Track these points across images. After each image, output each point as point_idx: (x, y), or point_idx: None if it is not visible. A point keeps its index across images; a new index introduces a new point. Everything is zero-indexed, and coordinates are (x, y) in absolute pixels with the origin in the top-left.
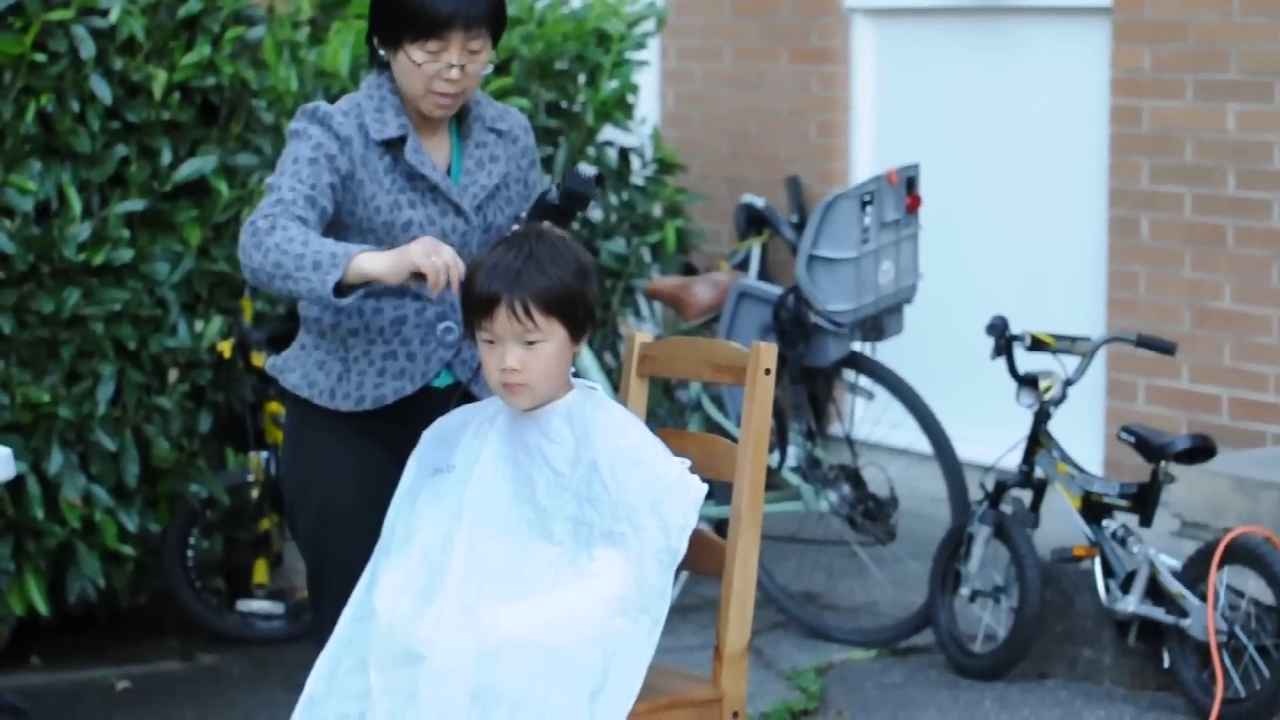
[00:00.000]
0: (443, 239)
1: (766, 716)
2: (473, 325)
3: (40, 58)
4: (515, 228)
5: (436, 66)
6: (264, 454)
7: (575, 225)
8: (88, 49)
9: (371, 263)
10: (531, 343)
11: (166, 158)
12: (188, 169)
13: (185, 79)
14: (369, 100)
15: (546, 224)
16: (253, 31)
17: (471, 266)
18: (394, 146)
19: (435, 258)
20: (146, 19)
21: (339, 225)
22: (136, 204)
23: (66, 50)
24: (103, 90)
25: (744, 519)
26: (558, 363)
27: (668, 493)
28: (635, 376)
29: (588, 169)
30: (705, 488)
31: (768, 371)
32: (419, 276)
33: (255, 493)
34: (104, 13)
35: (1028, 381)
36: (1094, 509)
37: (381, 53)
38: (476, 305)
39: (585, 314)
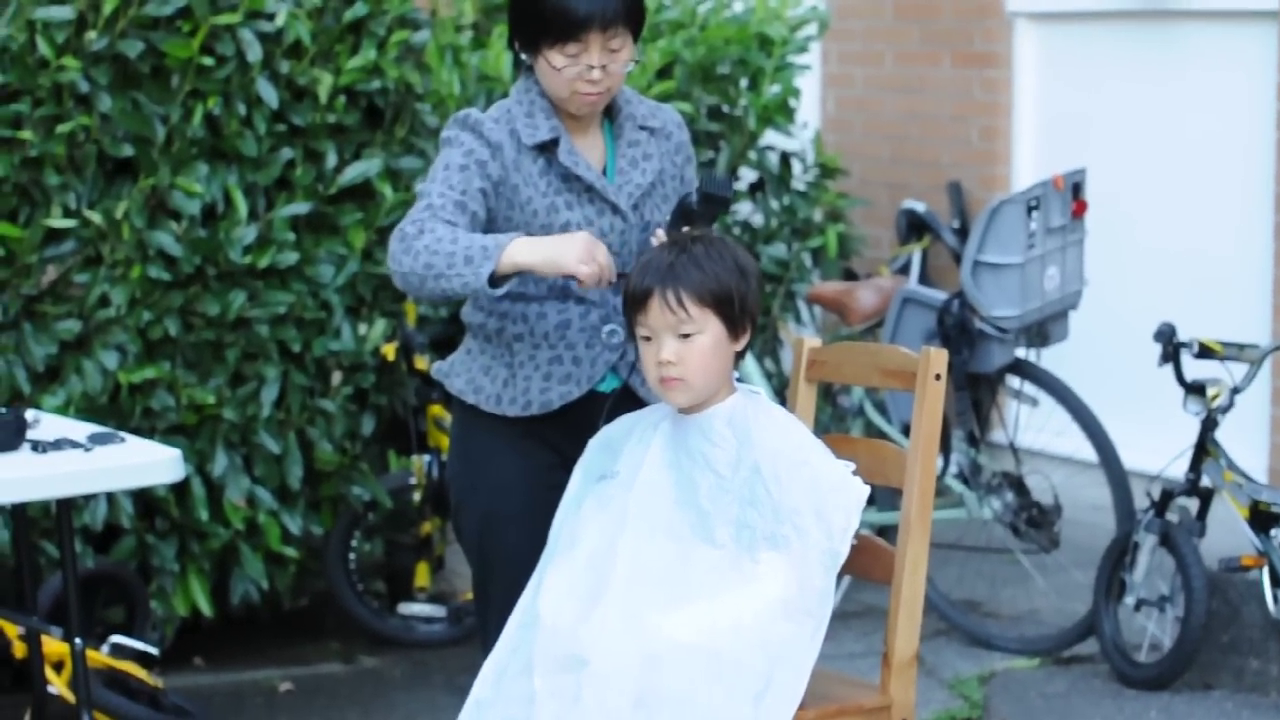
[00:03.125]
0: (601, 239)
1: None
2: (631, 324)
3: (207, 61)
4: (659, 230)
5: (578, 69)
6: (426, 457)
7: (736, 230)
8: (254, 53)
9: (524, 254)
10: (686, 335)
11: (331, 161)
12: (352, 172)
13: (350, 82)
14: (519, 105)
15: (710, 230)
16: (417, 35)
17: (630, 270)
18: (547, 149)
19: (591, 265)
20: (312, 23)
21: (497, 231)
22: (301, 207)
23: (233, 54)
24: (269, 94)
25: (914, 525)
26: (714, 357)
27: (830, 495)
28: (804, 382)
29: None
30: (868, 490)
31: (938, 377)
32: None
33: (417, 496)
34: (270, 16)
35: (1195, 389)
36: (1262, 518)
37: (524, 58)
38: (632, 301)
39: (742, 310)
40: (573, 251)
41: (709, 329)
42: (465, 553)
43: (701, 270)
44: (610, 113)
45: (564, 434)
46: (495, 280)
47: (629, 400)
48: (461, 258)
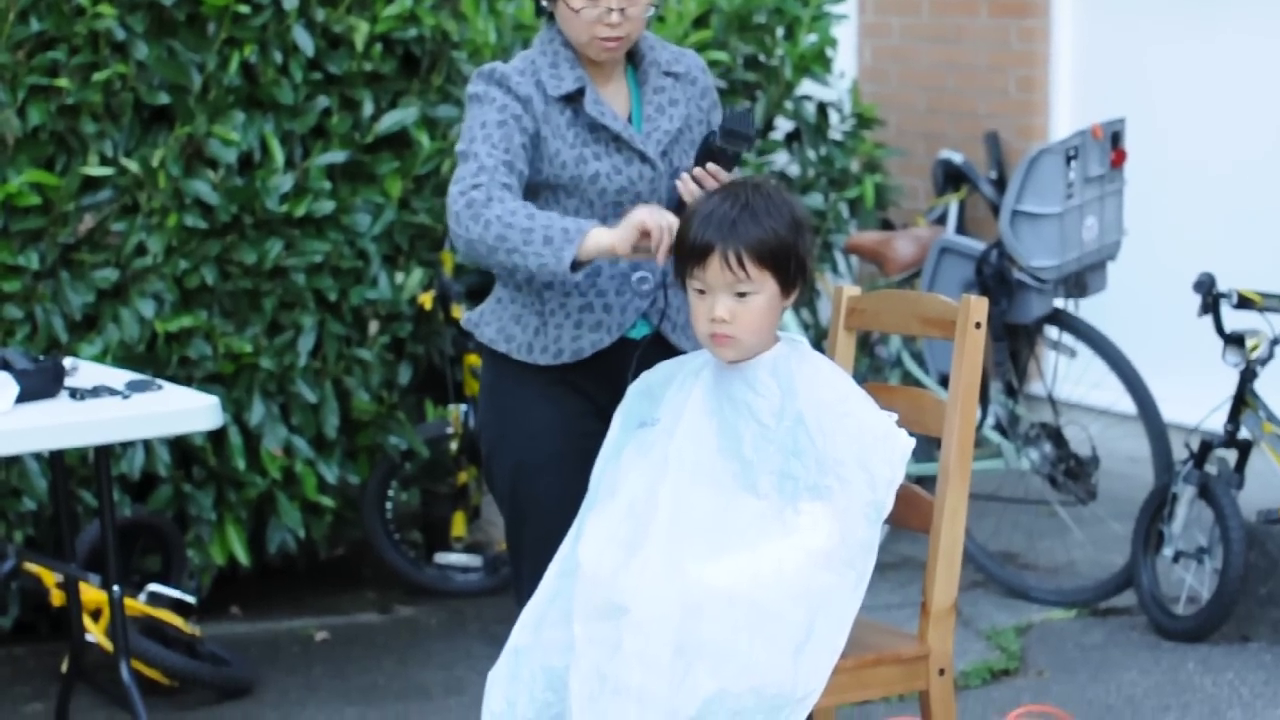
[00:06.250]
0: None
1: (967, 675)
2: (684, 273)
3: (244, 9)
4: (684, 174)
5: (596, 12)
6: (463, 407)
7: (772, 181)
8: (290, 0)
9: (605, 236)
10: (742, 294)
11: (368, 109)
12: (389, 121)
13: (387, 30)
14: (543, 56)
15: (765, 175)
16: None
17: (686, 214)
18: (573, 100)
19: (660, 216)
20: None
21: (526, 184)
22: (338, 155)
23: (269, 1)
24: (305, 42)
25: (953, 474)
26: (766, 316)
27: (875, 446)
28: (843, 330)
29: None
30: (912, 441)
31: (978, 325)
32: (643, 239)
33: (454, 445)
34: None
35: (1234, 340)
36: None
37: (544, 3)
38: (690, 253)
39: (797, 268)
40: (637, 212)
41: (765, 289)
42: (497, 503)
43: (762, 227)
44: (634, 60)
45: (595, 381)
46: (574, 264)
47: (660, 346)
48: (540, 237)
